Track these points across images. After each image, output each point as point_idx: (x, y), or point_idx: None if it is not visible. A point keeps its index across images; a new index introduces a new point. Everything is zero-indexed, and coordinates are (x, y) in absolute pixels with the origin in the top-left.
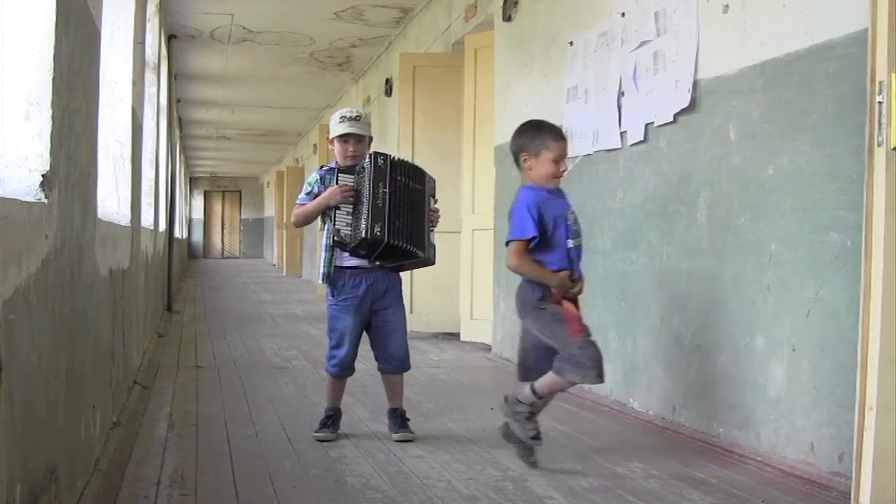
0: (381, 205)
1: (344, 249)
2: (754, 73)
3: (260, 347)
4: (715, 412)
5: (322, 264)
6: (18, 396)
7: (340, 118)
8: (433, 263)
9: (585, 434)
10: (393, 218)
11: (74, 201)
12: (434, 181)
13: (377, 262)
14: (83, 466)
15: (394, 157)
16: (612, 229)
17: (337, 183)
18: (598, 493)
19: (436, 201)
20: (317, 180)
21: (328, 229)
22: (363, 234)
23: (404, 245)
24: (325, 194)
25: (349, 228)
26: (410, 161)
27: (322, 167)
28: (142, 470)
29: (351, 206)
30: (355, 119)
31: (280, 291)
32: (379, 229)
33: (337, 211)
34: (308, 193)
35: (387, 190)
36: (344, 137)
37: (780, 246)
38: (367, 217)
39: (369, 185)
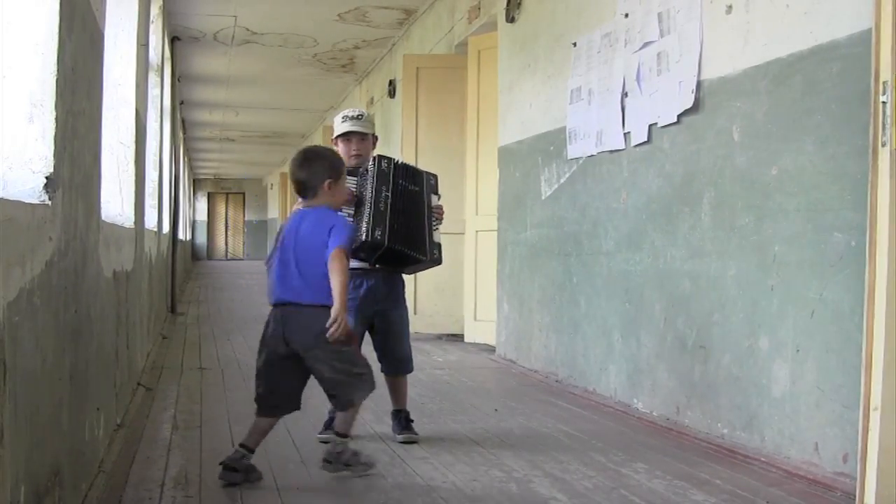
0: (382, 209)
1: None
2: (758, 73)
3: None
4: (719, 413)
5: None
6: (23, 398)
7: (343, 118)
8: (440, 263)
9: (589, 435)
10: (393, 222)
11: (78, 203)
12: (435, 177)
13: (377, 266)
14: (87, 468)
15: (398, 161)
16: (615, 230)
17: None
18: (602, 494)
19: (439, 197)
20: None
21: None
22: (364, 238)
23: (405, 249)
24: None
25: None
26: (410, 164)
27: None
28: (146, 472)
29: (353, 209)
30: (357, 118)
31: None
32: (380, 233)
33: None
34: None
35: (389, 194)
36: (346, 136)
37: (784, 246)
38: (369, 220)
39: (372, 188)
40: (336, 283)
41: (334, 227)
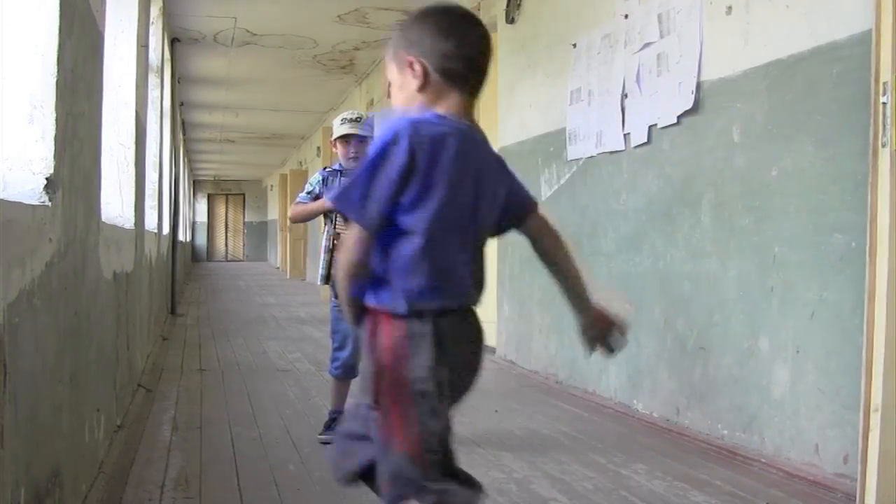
0: None
1: None
2: (758, 74)
3: (264, 350)
4: (719, 414)
5: (321, 266)
6: (23, 399)
7: (342, 120)
8: None
9: (589, 436)
10: None
11: (78, 204)
12: None
13: None
14: (87, 469)
15: None
16: (615, 231)
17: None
18: (602, 495)
19: None
20: (319, 181)
21: (328, 232)
22: None
23: None
24: (324, 197)
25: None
26: None
27: (325, 168)
28: (146, 473)
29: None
30: (356, 120)
31: (283, 294)
32: None
33: (336, 214)
34: (309, 193)
35: None
36: (345, 138)
37: (784, 247)
38: None
39: None
40: None
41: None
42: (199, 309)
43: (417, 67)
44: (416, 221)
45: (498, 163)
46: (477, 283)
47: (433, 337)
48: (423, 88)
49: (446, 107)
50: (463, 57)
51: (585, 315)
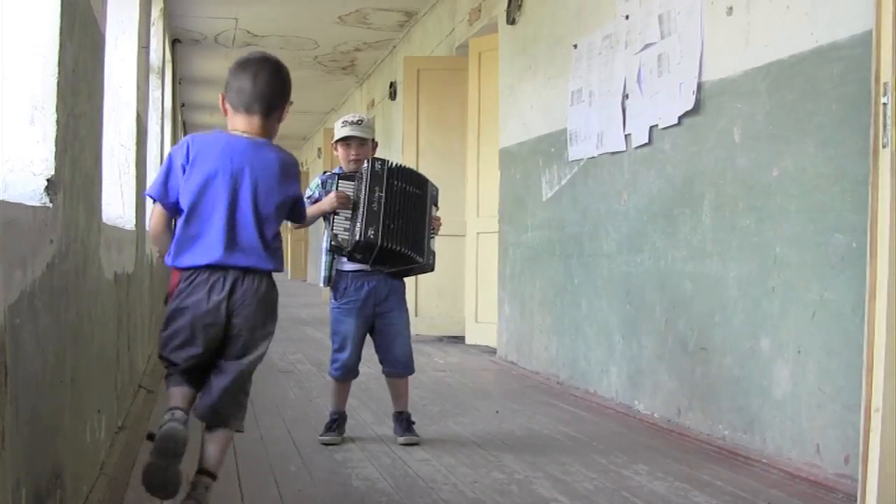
0: (375, 208)
1: (341, 254)
2: (759, 75)
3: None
4: (720, 414)
5: (323, 268)
6: (24, 400)
7: (342, 123)
8: (432, 270)
9: (590, 436)
10: (388, 221)
11: (79, 205)
12: (437, 189)
13: (377, 267)
14: (89, 470)
15: (392, 163)
16: (616, 232)
17: (336, 189)
18: (603, 496)
19: (437, 209)
20: (318, 185)
21: (328, 234)
22: (357, 237)
23: (399, 248)
24: (323, 200)
25: (346, 233)
26: (412, 168)
27: (325, 172)
28: None
29: (350, 212)
30: (357, 123)
31: (284, 295)
32: (373, 232)
33: (335, 216)
34: (308, 198)
35: (382, 194)
36: (346, 141)
37: (785, 248)
38: (362, 221)
39: (365, 189)
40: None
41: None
42: None
43: (221, 101)
44: (183, 197)
45: (278, 165)
46: (230, 245)
47: (181, 283)
48: (226, 114)
49: (233, 125)
50: (240, 90)
51: None
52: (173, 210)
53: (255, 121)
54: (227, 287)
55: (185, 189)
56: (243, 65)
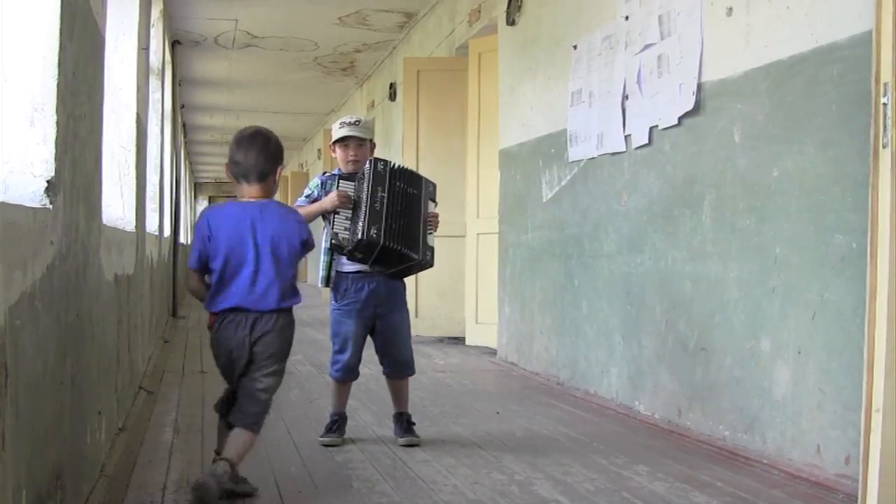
0: (378, 208)
1: (341, 253)
2: (759, 75)
3: None
4: (721, 415)
5: (322, 268)
6: (24, 402)
7: (340, 124)
8: (431, 266)
9: (591, 437)
10: (390, 222)
11: (79, 207)
12: (434, 185)
13: (376, 268)
14: (89, 472)
15: (393, 164)
16: (616, 232)
17: (337, 188)
18: (603, 497)
19: (435, 205)
20: (318, 185)
21: (327, 233)
22: (359, 236)
23: (400, 248)
24: (323, 199)
25: (347, 232)
26: (409, 168)
27: (325, 173)
28: (148, 475)
29: (350, 212)
30: (355, 124)
31: None
32: (375, 231)
33: (335, 216)
34: (307, 197)
35: (385, 195)
36: (344, 141)
37: (786, 248)
38: (364, 220)
39: (368, 189)
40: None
41: (302, 223)
42: (200, 311)
43: (226, 170)
44: (212, 261)
45: (279, 215)
46: (251, 292)
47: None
48: (234, 184)
49: (240, 193)
50: (237, 164)
51: None
52: (204, 271)
53: (255, 187)
54: (249, 324)
55: (213, 254)
56: (238, 142)
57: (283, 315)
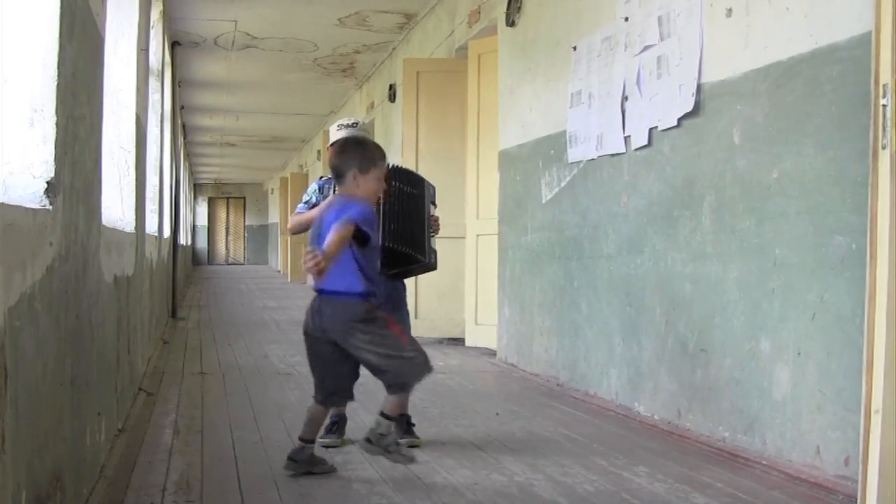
0: (379, 210)
1: None
2: (758, 76)
3: (265, 353)
4: (720, 416)
5: None
6: (24, 403)
7: (338, 126)
8: (434, 268)
9: (591, 438)
10: (392, 223)
11: (79, 208)
12: (434, 188)
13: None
14: (89, 473)
15: (393, 165)
16: (616, 234)
17: (334, 193)
18: (603, 498)
19: (435, 207)
20: (315, 190)
21: None
22: None
23: (404, 249)
24: (323, 204)
25: None
26: (410, 169)
27: (322, 177)
28: (147, 476)
29: None
30: (353, 125)
31: (284, 298)
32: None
33: None
34: (306, 202)
35: (391, 198)
36: None
37: (785, 249)
38: None
39: None
40: (329, 239)
41: (349, 207)
42: (199, 312)
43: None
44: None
45: (341, 205)
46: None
47: (310, 305)
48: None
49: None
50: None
51: None
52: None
53: (341, 185)
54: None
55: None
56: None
57: (345, 297)
